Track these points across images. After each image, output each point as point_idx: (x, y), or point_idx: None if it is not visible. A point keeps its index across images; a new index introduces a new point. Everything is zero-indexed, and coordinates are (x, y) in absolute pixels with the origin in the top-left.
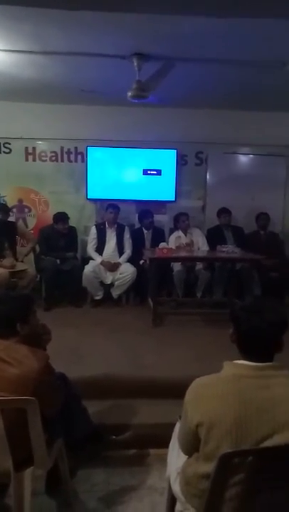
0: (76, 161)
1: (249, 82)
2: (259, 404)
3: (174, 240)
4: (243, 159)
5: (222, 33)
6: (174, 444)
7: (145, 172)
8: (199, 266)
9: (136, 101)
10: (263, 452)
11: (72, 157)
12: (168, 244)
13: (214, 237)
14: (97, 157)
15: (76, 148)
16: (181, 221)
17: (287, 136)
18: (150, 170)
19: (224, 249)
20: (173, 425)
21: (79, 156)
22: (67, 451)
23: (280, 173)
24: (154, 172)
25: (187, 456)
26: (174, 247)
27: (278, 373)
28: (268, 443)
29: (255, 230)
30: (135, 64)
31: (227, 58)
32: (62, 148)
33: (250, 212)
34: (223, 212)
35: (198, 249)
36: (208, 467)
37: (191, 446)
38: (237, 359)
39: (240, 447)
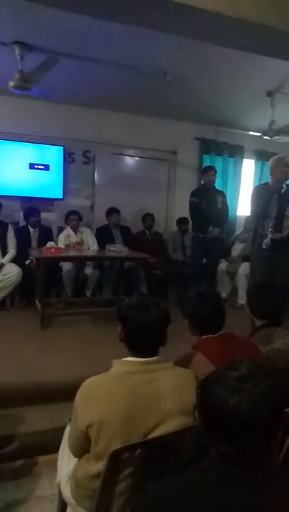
0: None
1: (134, 87)
2: (146, 397)
3: (64, 239)
4: (130, 161)
5: (108, 35)
6: (64, 448)
7: (32, 166)
8: (89, 265)
9: (18, 92)
10: (149, 443)
11: None
12: (57, 243)
13: (103, 236)
14: None
15: None
16: (70, 220)
17: (169, 143)
18: (37, 164)
19: (113, 249)
20: (63, 429)
21: None
22: None
23: (163, 177)
24: (42, 167)
25: (78, 459)
26: (63, 246)
27: (163, 366)
28: (154, 434)
29: (142, 229)
30: (17, 53)
31: (112, 61)
32: None
33: (136, 213)
34: (112, 211)
35: (88, 248)
36: (99, 466)
37: (82, 448)
38: (126, 356)
39: (129, 442)
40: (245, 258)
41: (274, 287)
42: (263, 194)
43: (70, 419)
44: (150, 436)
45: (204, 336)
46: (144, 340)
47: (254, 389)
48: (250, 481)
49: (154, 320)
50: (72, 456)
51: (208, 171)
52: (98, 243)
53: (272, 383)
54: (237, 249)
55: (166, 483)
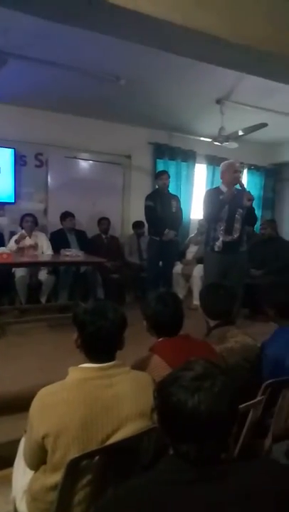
0: None
1: (87, 91)
2: (104, 403)
3: (17, 238)
4: (84, 164)
5: (59, 36)
6: (20, 461)
7: None
8: (43, 270)
9: None
10: (108, 449)
11: None
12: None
13: (58, 240)
14: None
15: None
16: (25, 221)
17: (124, 147)
18: None
19: (68, 253)
20: (18, 442)
21: None
22: None
23: (117, 181)
24: None
25: (34, 472)
26: (14, 245)
27: (120, 370)
28: (113, 439)
29: (98, 233)
30: None
31: (64, 63)
32: None
33: (92, 217)
34: (67, 215)
35: (42, 253)
36: (56, 477)
37: (38, 460)
38: (83, 363)
39: (87, 450)
40: (199, 260)
41: (225, 288)
42: (214, 198)
43: (25, 431)
44: (109, 442)
45: (161, 339)
46: (101, 346)
47: (212, 387)
48: (207, 479)
49: (112, 324)
50: (27, 470)
51: (161, 175)
52: (53, 248)
53: (226, 380)
54: (191, 251)
55: (123, 487)
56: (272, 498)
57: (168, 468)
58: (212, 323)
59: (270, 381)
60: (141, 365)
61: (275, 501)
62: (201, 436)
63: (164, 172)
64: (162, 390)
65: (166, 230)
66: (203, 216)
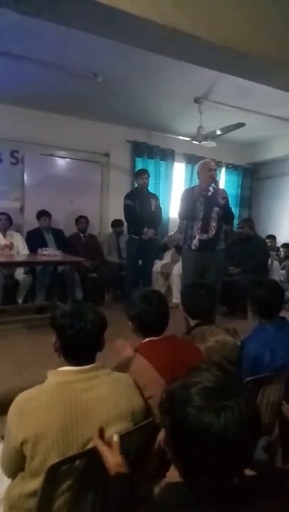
0: None
1: (64, 87)
2: (84, 406)
3: None
4: (61, 162)
5: (36, 31)
6: None
7: None
8: (19, 270)
9: None
10: (87, 454)
11: None
12: None
13: (34, 240)
14: None
15: None
16: None
17: (102, 145)
18: None
19: (45, 253)
20: None
21: None
22: None
23: (96, 179)
24: None
25: (11, 480)
26: None
27: (100, 373)
28: (93, 443)
29: (76, 232)
30: None
31: (41, 58)
32: None
33: (69, 215)
34: (43, 214)
35: (18, 253)
36: (35, 484)
37: (16, 466)
38: (61, 364)
39: (67, 454)
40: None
41: (206, 286)
42: (190, 197)
43: (1, 437)
44: (89, 445)
45: (146, 339)
46: (81, 349)
47: (238, 406)
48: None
49: (92, 326)
50: (5, 477)
51: (142, 174)
52: (29, 247)
53: (250, 397)
54: (170, 253)
55: None
56: None
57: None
58: (192, 322)
59: (249, 378)
60: (125, 366)
61: None
62: (226, 465)
63: (145, 171)
64: (175, 410)
65: (146, 229)
66: (178, 214)
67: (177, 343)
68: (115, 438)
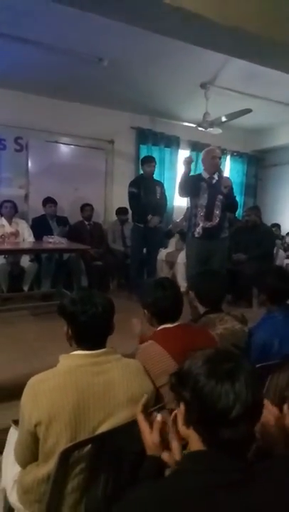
0: None
1: (69, 72)
2: (95, 390)
3: None
4: (65, 149)
5: (40, 13)
6: (10, 451)
7: None
8: (25, 258)
9: None
10: (99, 438)
11: None
12: None
13: (39, 227)
14: None
15: None
16: (4, 207)
17: (106, 132)
18: None
19: (51, 240)
20: (5, 431)
21: None
22: None
23: (100, 166)
24: None
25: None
26: None
27: (111, 358)
28: (104, 427)
29: (80, 220)
30: None
31: (45, 42)
32: None
33: (74, 203)
34: (49, 201)
35: (24, 240)
36: (48, 468)
37: (29, 453)
38: (70, 350)
39: (79, 437)
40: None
41: (218, 274)
42: (194, 184)
43: (13, 421)
44: (101, 429)
45: (161, 327)
46: (94, 333)
47: (242, 368)
48: (252, 478)
49: (103, 309)
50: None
51: (149, 162)
52: (34, 234)
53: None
54: (175, 237)
55: (151, 494)
56: None
57: (207, 468)
58: (202, 309)
59: (257, 366)
60: (142, 354)
61: None
62: (239, 421)
63: (153, 159)
64: (189, 381)
65: (150, 216)
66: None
67: (192, 330)
68: (159, 417)
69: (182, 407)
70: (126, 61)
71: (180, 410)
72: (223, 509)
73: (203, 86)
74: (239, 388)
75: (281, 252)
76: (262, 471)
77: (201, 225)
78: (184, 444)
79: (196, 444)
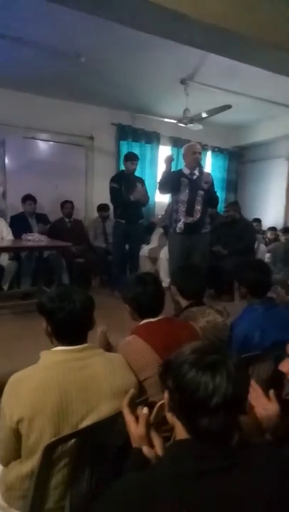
0: None
1: (46, 68)
2: (78, 386)
3: None
4: (44, 146)
5: (15, 8)
6: None
7: None
8: (4, 256)
9: None
10: (82, 432)
11: None
12: None
13: (18, 225)
14: None
15: None
16: None
17: (85, 128)
18: None
19: (30, 238)
20: None
21: None
22: None
23: (80, 162)
24: None
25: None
26: None
27: (93, 352)
28: (87, 421)
29: (61, 217)
30: None
31: (22, 38)
32: None
33: (54, 200)
34: (28, 198)
35: (2, 238)
36: (32, 464)
37: (12, 450)
38: (48, 348)
39: (62, 431)
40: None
41: (197, 268)
42: (175, 180)
43: None
44: (84, 423)
45: (144, 321)
46: (74, 329)
47: (227, 360)
48: (235, 465)
49: (82, 305)
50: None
51: (132, 159)
52: (13, 232)
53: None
54: (157, 233)
55: (134, 481)
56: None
57: (189, 456)
58: (184, 303)
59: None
60: (124, 349)
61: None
62: (222, 410)
63: (136, 157)
64: (173, 370)
65: (136, 188)
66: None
67: (174, 323)
68: (145, 410)
69: (166, 395)
70: (104, 56)
71: (165, 398)
72: (206, 496)
73: (183, 82)
74: (219, 380)
75: (262, 247)
76: (244, 458)
77: (182, 220)
78: (169, 436)
79: (181, 432)
